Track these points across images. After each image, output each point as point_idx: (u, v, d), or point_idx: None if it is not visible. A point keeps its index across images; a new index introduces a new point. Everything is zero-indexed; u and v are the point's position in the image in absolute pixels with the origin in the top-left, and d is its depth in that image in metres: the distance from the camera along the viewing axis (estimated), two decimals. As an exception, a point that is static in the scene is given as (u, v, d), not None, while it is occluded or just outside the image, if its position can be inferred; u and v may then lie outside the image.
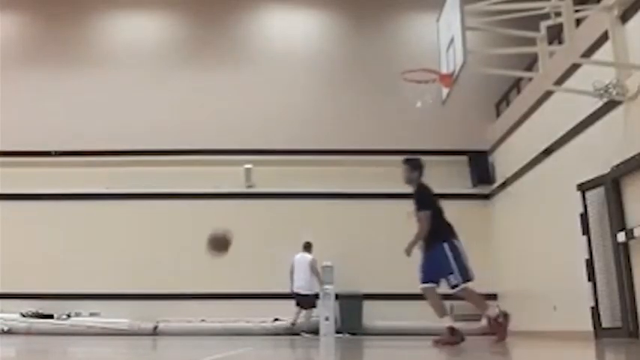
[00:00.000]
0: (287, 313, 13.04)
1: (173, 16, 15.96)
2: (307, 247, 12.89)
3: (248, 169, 14.27)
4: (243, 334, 12.45)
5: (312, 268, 12.61)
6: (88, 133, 14.57)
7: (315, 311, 12.74)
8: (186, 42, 15.62)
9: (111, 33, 15.82)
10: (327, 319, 12.80)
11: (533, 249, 11.83)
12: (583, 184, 9.32)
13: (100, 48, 15.56)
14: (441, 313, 7.51)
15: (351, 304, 13.13)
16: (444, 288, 7.58)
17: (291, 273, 12.64)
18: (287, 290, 12.75)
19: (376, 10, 15.54)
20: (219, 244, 7.93)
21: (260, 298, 13.47)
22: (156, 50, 15.62)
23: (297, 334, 12.27)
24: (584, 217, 9.31)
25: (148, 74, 15.21)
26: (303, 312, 12.59)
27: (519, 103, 12.70)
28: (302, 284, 12.55)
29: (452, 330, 7.34)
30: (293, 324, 12.57)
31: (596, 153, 9.17)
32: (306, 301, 12.56)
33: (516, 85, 13.33)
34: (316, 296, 12.69)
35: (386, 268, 13.53)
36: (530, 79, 11.78)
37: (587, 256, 9.14)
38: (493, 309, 7.47)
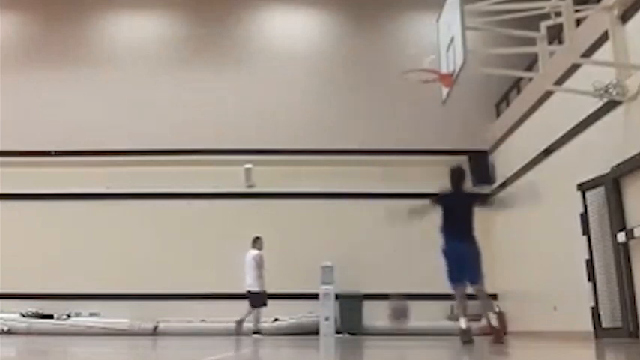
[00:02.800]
0: (287, 313, 13.06)
1: (173, 15, 15.96)
2: (254, 242, 12.28)
3: (248, 169, 14.27)
4: (244, 334, 12.44)
5: (256, 263, 11.97)
6: (88, 133, 14.56)
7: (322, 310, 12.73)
8: (186, 42, 15.62)
9: (111, 33, 15.82)
10: (327, 319, 12.82)
11: (533, 249, 11.82)
12: (583, 184, 9.32)
13: (100, 48, 15.56)
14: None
15: (351, 304, 13.14)
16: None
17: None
18: (287, 290, 12.80)
19: (376, 10, 15.54)
20: (401, 312, 7.84)
21: (260, 298, 13.47)
22: (156, 50, 15.62)
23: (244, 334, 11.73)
24: (584, 217, 9.31)
25: (147, 74, 15.21)
26: (254, 311, 11.91)
27: (519, 103, 12.69)
28: (250, 282, 11.94)
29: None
30: (241, 321, 11.88)
31: (596, 153, 9.17)
32: (256, 299, 11.89)
33: (516, 85, 13.33)
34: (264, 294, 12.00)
35: (386, 268, 13.55)
36: (530, 79, 11.78)
37: (587, 256, 9.14)
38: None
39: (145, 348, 7.45)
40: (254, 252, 12.14)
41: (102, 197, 14.30)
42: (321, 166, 14.43)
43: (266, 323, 12.91)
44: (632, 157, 8.13)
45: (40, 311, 13.21)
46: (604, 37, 8.94)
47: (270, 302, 13.39)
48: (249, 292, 11.94)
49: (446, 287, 14.08)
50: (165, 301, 13.47)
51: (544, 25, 8.95)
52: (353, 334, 12.69)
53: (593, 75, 8.76)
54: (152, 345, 8.33)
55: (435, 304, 13.43)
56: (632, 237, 8.05)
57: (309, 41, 15.75)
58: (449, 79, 9.15)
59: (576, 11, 8.70)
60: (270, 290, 13.47)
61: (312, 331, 12.81)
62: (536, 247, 11.61)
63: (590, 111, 9.30)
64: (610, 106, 8.77)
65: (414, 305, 13.27)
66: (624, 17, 8.60)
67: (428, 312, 13.39)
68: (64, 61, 15.30)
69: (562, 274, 10.36)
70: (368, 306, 13.14)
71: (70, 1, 15.82)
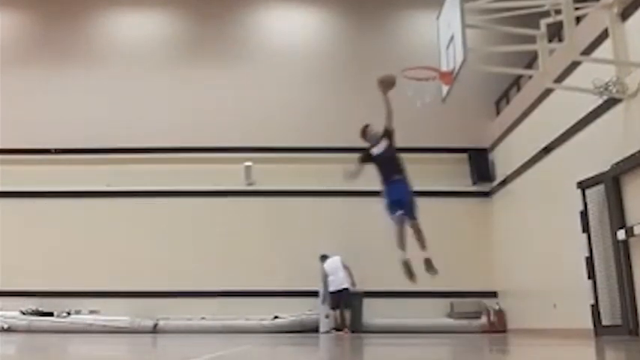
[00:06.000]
0: (286, 310, 13.07)
1: (172, 13, 15.94)
2: (325, 257, 13.18)
3: (248, 167, 14.27)
4: (243, 331, 12.46)
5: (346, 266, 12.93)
6: (88, 130, 14.56)
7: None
8: (185, 40, 15.61)
9: (111, 31, 15.80)
10: (327, 316, 12.83)
11: (533, 247, 11.82)
12: (583, 181, 9.32)
13: (100, 46, 15.55)
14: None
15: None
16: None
17: (325, 276, 12.85)
18: (287, 288, 12.89)
19: (376, 7, 15.53)
20: (388, 83, 8.08)
21: (260, 295, 13.48)
22: (155, 48, 15.61)
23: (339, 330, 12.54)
24: (584, 215, 9.31)
25: (147, 72, 15.20)
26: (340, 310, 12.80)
27: (519, 101, 12.69)
28: (342, 282, 12.76)
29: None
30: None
31: (596, 151, 9.17)
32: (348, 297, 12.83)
33: (516, 82, 13.33)
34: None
35: (386, 266, 13.50)
36: (530, 77, 11.77)
37: (587, 254, 9.14)
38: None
39: (144, 345, 7.45)
40: (337, 257, 12.98)
41: (102, 195, 14.30)
42: (320, 163, 14.42)
43: (266, 321, 12.93)
44: (632, 155, 8.13)
45: (40, 309, 13.21)
46: (604, 35, 8.93)
47: (269, 300, 13.46)
48: (339, 291, 12.65)
49: (445, 285, 14.14)
50: (165, 298, 13.48)
51: (544, 22, 8.95)
52: (353, 331, 12.69)
53: (593, 73, 8.75)
54: (152, 342, 8.33)
55: (434, 302, 13.46)
56: (632, 235, 8.05)
57: (308, 39, 15.74)
58: (449, 77, 9.15)
59: (576, 9, 8.69)
60: (269, 288, 13.53)
61: (312, 328, 12.82)
62: (536, 245, 11.61)
63: (590, 109, 9.30)
64: (610, 103, 8.77)
65: (413, 303, 13.45)
66: (624, 15, 8.60)
67: (427, 310, 13.43)
68: (64, 59, 15.29)
69: (562, 271, 10.36)
70: (368, 304, 13.15)
71: (69, -2, 15.84)
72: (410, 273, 7.37)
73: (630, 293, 8.17)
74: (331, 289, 12.73)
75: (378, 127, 8.29)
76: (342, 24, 15.91)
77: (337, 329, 12.68)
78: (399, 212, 7.52)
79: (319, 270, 13.12)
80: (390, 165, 8.04)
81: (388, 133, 8.15)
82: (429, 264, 7.43)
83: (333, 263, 12.92)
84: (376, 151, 8.15)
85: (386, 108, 8.07)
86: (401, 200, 7.62)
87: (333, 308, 12.77)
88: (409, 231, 7.57)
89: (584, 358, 4.83)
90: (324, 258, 13.11)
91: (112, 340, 8.71)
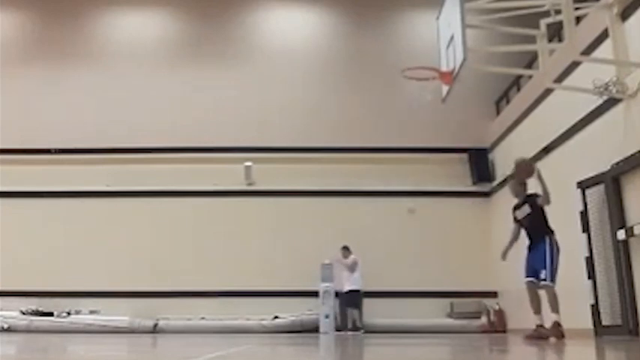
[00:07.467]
0: (286, 310, 13.07)
1: (172, 13, 15.95)
2: (347, 249, 13.20)
3: (248, 167, 14.27)
4: (243, 331, 12.45)
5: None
6: (88, 130, 14.57)
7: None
8: (185, 39, 15.61)
9: (110, 30, 15.81)
10: (327, 316, 12.83)
11: (533, 247, 11.79)
12: (583, 181, 9.32)
13: (100, 45, 15.55)
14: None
15: (351, 302, 13.14)
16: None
17: (354, 266, 12.91)
18: (287, 288, 12.91)
19: (376, 7, 15.54)
20: (526, 172, 8.08)
21: (260, 295, 13.48)
22: (155, 47, 15.61)
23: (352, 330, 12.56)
24: (584, 215, 9.30)
25: (147, 71, 15.21)
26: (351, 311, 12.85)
27: (519, 101, 12.68)
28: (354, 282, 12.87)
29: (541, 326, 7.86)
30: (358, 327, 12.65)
31: (596, 151, 9.16)
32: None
33: (516, 82, 13.33)
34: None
35: (386, 266, 13.56)
36: (530, 77, 11.77)
37: (587, 254, 9.14)
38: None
39: (144, 345, 7.45)
40: (353, 256, 13.03)
41: (102, 195, 14.30)
42: (321, 163, 14.45)
43: (266, 321, 12.93)
44: (632, 155, 8.13)
45: (40, 309, 13.22)
46: (604, 35, 8.93)
47: (269, 300, 13.46)
48: (353, 291, 12.78)
49: (445, 285, 14.07)
50: (165, 298, 13.49)
51: (544, 22, 8.95)
52: (355, 331, 12.69)
53: (593, 73, 8.74)
54: (152, 342, 8.33)
55: (434, 302, 13.47)
56: (632, 235, 8.05)
57: (309, 38, 15.75)
58: (449, 77, 9.15)
59: (576, 9, 8.68)
60: (269, 288, 13.54)
61: (312, 328, 12.82)
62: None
63: (590, 109, 9.29)
64: (610, 103, 8.77)
65: (413, 303, 13.45)
66: (624, 15, 8.59)
67: (427, 310, 13.43)
68: (64, 59, 15.30)
69: (562, 271, 10.30)
70: (368, 304, 13.15)
71: (69, -2, 15.84)
72: (540, 338, 7.68)
73: (630, 293, 8.17)
74: (347, 286, 12.78)
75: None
76: (342, 24, 15.91)
77: (338, 329, 12.65)
78: (529, 279, 8.01)
79: (319, 267, 13.15)
80: (531, 231, 8.18)
81: (533, 201, 8.11)
82: (555, 328, 7.73)
83: (357, 261, 12.96)
84: (519, 215, 8.25)
85: (543, 189, 7.92)
86: (533, 267, 8.01)
87: (346, 306, 12.78)
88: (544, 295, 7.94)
89: (584, 358, 4.83)
90: (346, 250, 13.08)
91: (112, 340, 8.71)
